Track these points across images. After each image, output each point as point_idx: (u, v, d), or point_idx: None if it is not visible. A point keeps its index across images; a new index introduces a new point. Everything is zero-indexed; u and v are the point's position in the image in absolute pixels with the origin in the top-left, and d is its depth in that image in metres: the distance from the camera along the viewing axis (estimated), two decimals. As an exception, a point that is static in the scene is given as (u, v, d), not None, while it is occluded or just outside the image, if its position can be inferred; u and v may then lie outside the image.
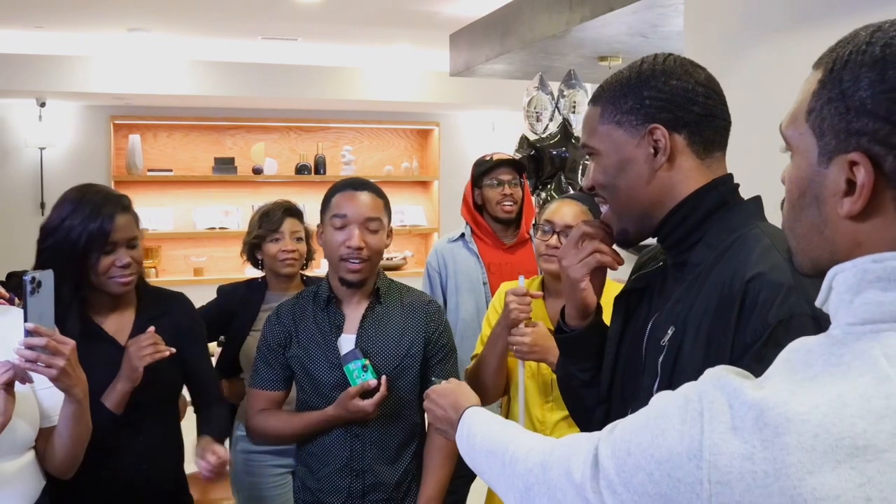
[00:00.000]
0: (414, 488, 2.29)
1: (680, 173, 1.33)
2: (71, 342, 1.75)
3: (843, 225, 0.87)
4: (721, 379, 0.86)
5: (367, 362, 2.14)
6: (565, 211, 2.34)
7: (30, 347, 1.69)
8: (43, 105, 7.27)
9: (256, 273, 3.15)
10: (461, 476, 3.47)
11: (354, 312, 2.27)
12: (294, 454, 2.83)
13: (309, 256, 3.10)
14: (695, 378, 1.22)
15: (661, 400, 0.91)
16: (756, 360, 1.14)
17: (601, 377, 1.51)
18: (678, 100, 1.31)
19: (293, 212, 3.06)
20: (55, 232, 2.08)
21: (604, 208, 1.46)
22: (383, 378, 2.13)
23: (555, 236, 2.32)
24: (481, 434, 1.30)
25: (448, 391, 1.53)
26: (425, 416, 2.33)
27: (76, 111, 7.54)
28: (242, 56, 6.98)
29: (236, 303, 3.00)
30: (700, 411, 0.84)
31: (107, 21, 5.75)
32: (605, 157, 1.37)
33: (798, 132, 0.92)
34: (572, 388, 1.59)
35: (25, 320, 1.69)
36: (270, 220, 2.99)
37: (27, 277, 1.70)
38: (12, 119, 7.35)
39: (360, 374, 2.14)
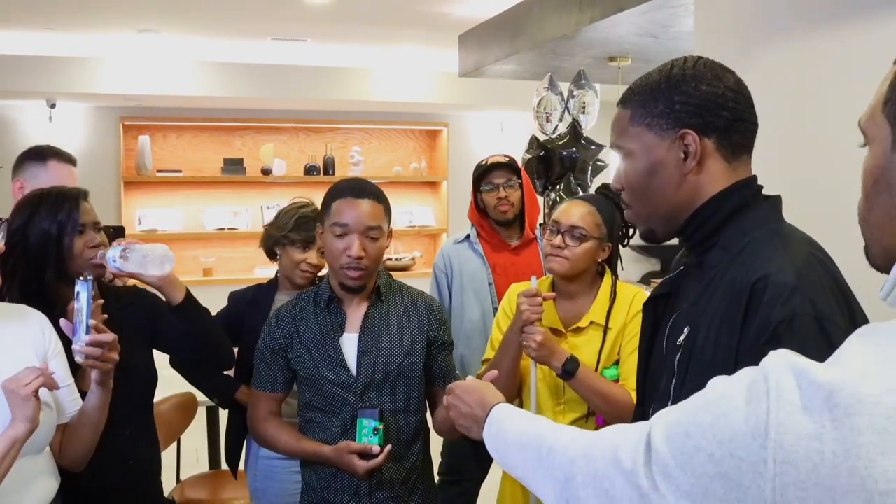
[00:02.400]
0: (420, 485, 2.30)
1: (707, 176, 1.35)
2: (116, 336, 1.91)
3: None
4: (789, 360, 0.85)
5: (380, 426, 2.14)
6: (572, 211, 2.35)
7: (95, 344, 1.84)
8: (53, 106, 7.30)
9: (265, 275, 3.10)
10: (470, 479, 3.49)
11: (356, 311, 2.29)
12: None
13: None
14: (706, 378, 1.25)
15: (720, 383, 0.91)
16: (758, 359, 1.16)
17: (636, 382, 1.55)
18: (708, 105, 1.33)
19: None
20: (25, 229, 2.16)
21: (626, 210, 1.48)
22: (386, 448, 2.13)
23: (559, 236, 2.32)
24: (514, 428, 1.28)
25: (473, 388, 1.49)
26: (428, 412, 2.35)
27: (86, 112, 7.56)
28: (252, 57, 6.99)
29: (246, 304, 2.96)
30: (766, 392, 0.83)
31: (117, 22, 5.77)
32: (638, 159, 1.38)
33: (875, 123, 0.94)
34: None
35: (87, 318, 1.84)
36: (308, 231, 2.88)
37: (87, 281, 1.87)
38: (22, 120, 7.38)
39: (369, 435, 2.14)
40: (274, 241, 2.96)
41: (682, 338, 1.32)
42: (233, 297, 3.04)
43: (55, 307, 2.08)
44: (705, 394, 0.91)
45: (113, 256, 2.14)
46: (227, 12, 5.49)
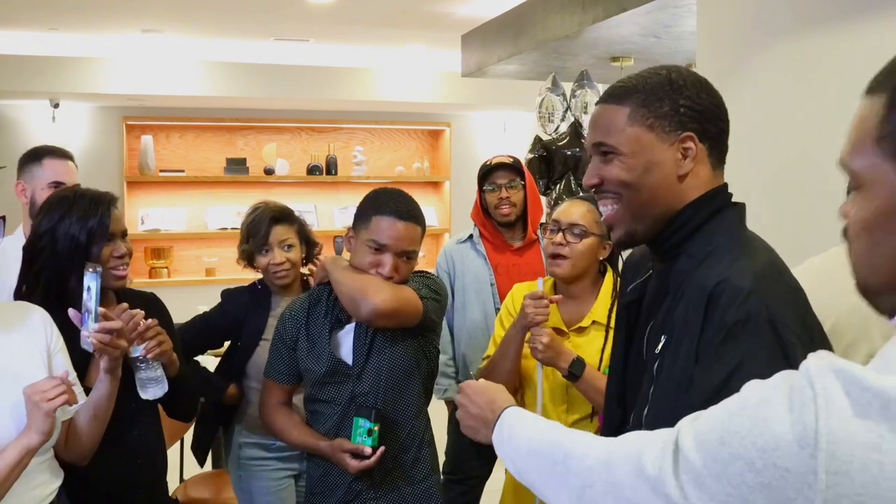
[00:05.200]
0: (425, 452, 2.33)
1: (696, 180, 1.39)
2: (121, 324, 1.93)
3: None
4: (833, 364, 0.81)
5: (375, 427, 2.15)
6: (572, 210, 2.36)
7: (104, 331, 1.86)
8: (56, 106, 7.31)
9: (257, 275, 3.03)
10: (474, 477, 3.49)
11: None
12: (298, 458, 2.85)
13: (309, 255, 2.96)
14: (671, 381, 1.29)
15: (756, 388, 0.87)
16: (715, 359, 1.22)
17: (610, 387, 1.58)
18: (708, 113, 1.39)
19: (280, 218, 2.90)
20: (52, 232, 2.14)
21: (604, 209, 1.48)
22: (379, 450, 2.15)
23: (560, 233, 2.32)
24: (526, 433, 1.25)
25: (483, 389, 1.45)
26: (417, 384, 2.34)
27: (89, 112, 7.57)
28: (255, 57, 7.00)
29: (243, 310, 2.91)
30: (812, 398, 0.79)
31: (120, 23, 5.78)
32: (630, 158, 1.39)
33: (869, 163, 0.89)
34: None
35: (96, 307, 1.87)
36: (257, 232, 2.85)
37: (97, 271, 1.89)
38: (26, 120, 7.39)
39: (363, 435, 2.15)
40: (245, 257, 2.95)
41: (659, 347, 1.36)
42: (227, 295, 2.99)
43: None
44: (740, 399, 0.88)
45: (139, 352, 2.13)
46: (230, 13, 5.50)
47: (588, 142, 1.47)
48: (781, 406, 0.81)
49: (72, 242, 2.12)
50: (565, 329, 2.36)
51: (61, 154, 3.03)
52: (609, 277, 2.40)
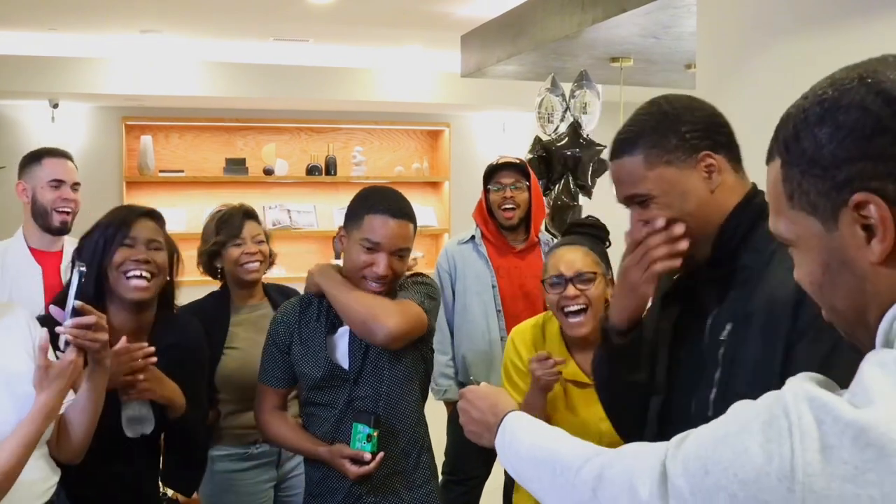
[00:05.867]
0: (424, 457, 2.32)
1: (726, 188, 1.47)
2: (104, 316, 1.91)
3: (882, 272, 0.86)
4: (807, 392, 0.81)
5: (374, 433, 2.15)
6: (571, 258, 2.28)
7: (79, 326, 1.84)
8: (55, 106, 7.30)
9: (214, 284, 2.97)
10: (474, 477, 3.49)
11: None
12: (275, 466, 2.83)
13: (269, 260, 2.95)
14: (752, 371, 1.33)
15: (741, 413, 0.87)
16: (819, 334, 1.24)
17: (657, 371, 1.59)
18: (711, 126, 1.47)
19: (252, 215, 2.94)
20: (84, 244, 2.22)
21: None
22: (378, 456, 2.15)
23: (570, 285, 2.24)
24: (528, 441, 1.25)
25: (486, 393, 1.45)
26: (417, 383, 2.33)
27: (89, 112, 7.57)
28: (254, 57, 7.00)
29: (205, 322, 2.75)
30: (788, 428, 0.79)
31: (120, 23, 5.78)
32: (663, 197, 1.46)
33: (790, 222, 0.94)
34: (633, 398, 1.60)
35: (72, 302, 1.85)
36: (231, 225, 2.85)
37: (81, 267, 1.90)
38: (25, 121, 7.39)
39: (363, 441, 2.15)
40: (207, 256, 2.90)
41: (724, 334, 1.41)
42: (185, 311, 2.84)
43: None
44: (725, 423, 0.88)
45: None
46: (230, 13, 5.50)
47: (619, 198, 1.53)
48: (760, 436, 0.81)
49: (94, 247, 2.17)
50: (587, 381, 2.26)
51: (60, 154, 3.17)
52: None
